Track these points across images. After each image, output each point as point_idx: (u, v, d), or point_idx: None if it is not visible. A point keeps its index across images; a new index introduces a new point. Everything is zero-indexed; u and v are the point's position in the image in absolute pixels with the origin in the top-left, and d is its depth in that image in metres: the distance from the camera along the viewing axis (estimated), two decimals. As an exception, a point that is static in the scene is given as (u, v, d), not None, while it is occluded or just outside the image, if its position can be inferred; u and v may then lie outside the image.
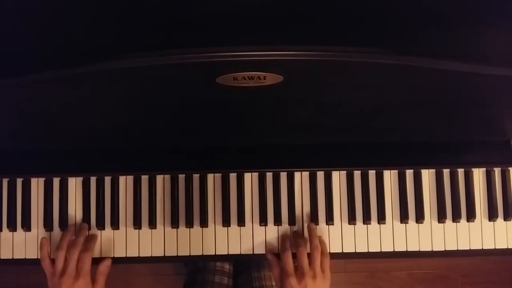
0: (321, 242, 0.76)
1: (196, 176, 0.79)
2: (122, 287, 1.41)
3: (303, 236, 0.77)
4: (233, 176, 0.79)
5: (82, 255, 0.72)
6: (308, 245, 0.75)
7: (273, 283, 0.97)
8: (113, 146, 0.78)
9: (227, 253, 0.78)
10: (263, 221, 0.78)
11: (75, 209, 0.79)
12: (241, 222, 0.78)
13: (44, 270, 0.74)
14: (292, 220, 0.78)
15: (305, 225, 0.78)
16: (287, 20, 0.55)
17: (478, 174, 0.80)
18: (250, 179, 0.79)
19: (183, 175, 0.79)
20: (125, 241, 0.78)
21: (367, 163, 0.79)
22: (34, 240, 0.78)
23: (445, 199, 0.79)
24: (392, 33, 0.55)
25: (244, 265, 1.03)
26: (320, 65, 0.52)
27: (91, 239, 0.76)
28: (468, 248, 0.78)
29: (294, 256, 0.74)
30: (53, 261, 0.73)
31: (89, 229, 0.78)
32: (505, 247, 0.79)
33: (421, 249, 0.78)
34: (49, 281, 0.72)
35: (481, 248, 0.78)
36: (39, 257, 0.75)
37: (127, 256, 0.78)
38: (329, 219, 0.78)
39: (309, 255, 0.73)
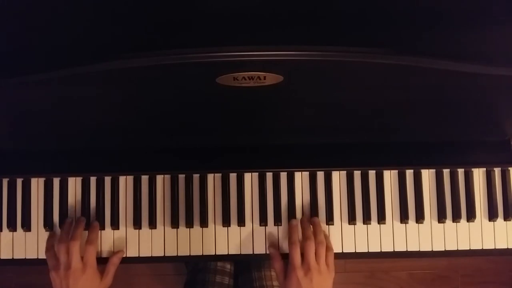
0: (325, 236, 0.76)
1: (196, 176, 0.79)
2: (122, 287, 1.41)
3: (309, 228, 0.76)
4: (233, 176, 0.79)
5: (87, 247, 0.72)
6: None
7: (274, 283, 0.97)
8: (113, 146, 0.78)
9: (227, 253, 0.78)
10: (263, 221, 0.78)
11: (75, 209, 0.79)
12: (241, 222, 0.78)
13: (48, 261, 0.73)
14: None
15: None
16: (287, 20, 0.55)
17: (478, 174, 0.80)
18: (250, 179, 0.79)
19: (183, 175, 0.79)
20: (125, 241, 0.78)
21: (367, 163, 0.79)
22: (34, 240, 0.78)
23: (445, 199, 0.79)
24: (392, 33, 0.55)
25: (245, 265, 1.03)
26: (320, 65, 0.52)
27: (92, 231, 0.76)
28: (468, 248, 0.78)
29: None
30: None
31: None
32: (505, 247, 0.78)
33: (421, 249, 0.78)
34: (52, 273, 0.71)
35: (481, 248, 0.78)
36: (39, 257, 0.75)
37: (127, 256, 0.78)
38: (329, 219, 0.78)
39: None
